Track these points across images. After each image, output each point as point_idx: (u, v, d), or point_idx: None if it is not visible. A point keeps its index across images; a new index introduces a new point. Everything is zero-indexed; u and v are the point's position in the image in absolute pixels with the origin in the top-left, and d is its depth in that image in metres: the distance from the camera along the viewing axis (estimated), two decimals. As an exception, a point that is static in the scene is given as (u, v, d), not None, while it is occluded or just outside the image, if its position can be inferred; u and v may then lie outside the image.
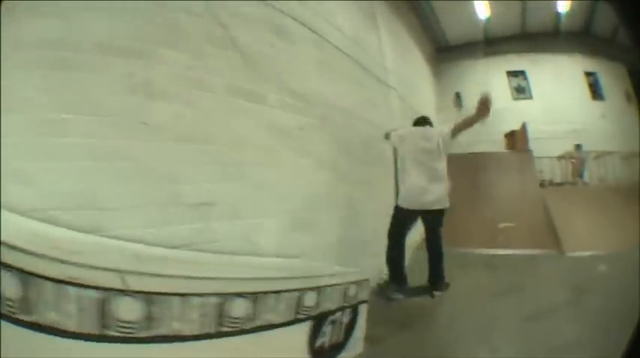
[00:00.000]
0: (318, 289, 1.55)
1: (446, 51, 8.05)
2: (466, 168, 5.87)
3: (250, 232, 1.96)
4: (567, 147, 6.91)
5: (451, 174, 5.96)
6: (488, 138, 6.87)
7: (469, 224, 5.32)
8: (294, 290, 1.46)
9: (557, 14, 7.19)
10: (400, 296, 2.58)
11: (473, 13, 6.73)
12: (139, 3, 1.62)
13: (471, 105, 7.98)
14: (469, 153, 6.23)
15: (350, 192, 2.79)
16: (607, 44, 8.17)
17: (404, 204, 2.63)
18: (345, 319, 1.73)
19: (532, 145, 6.46)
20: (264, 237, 2.01)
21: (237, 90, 2.03)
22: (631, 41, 1.11)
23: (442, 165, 2.64)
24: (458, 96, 7.83)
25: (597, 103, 8.22)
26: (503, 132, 6.91)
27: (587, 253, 4.50)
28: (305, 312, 1.51)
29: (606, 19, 7.31)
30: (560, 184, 6.48)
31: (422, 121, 3.21)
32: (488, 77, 7.67)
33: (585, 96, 8.36)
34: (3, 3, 1.12)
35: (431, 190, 2.58)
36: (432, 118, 6.17)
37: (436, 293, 2.69)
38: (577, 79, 8.36)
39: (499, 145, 6.87)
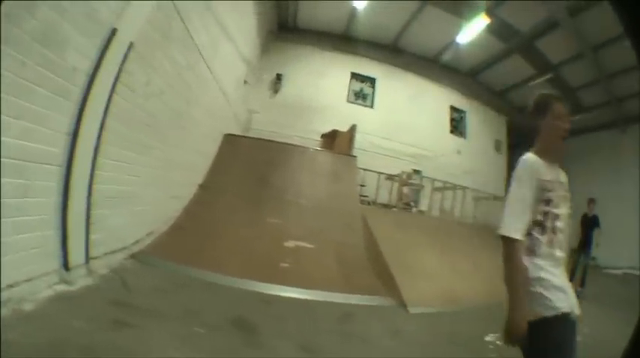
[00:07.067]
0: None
1: (288, 31, 7.10)
2: (257, 158, 4.50)
3: None
4: (403, 168, 6.20)
5: (231, 160, 4.61)
6: (298, 134, 5.78)
7: (239, 234, 3.34)
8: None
9: (452, 43, 6.68)
10: None
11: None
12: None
13: (288, 92, 7.00)
14: (266, 140, 4.87)
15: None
16: (495, 94, 8.39)
17: None
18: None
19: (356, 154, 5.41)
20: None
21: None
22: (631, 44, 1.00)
23: None
24: (279, 77, 6.77)
25: (455, 139, 8.12)
26: (321, 131, 5.87)
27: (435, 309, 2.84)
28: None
29: (508, 72, 7.29)
30: (385, 206, 5.59)
31: None
32: (327, 70, 6.83)
33: (443, 127, 8.20)
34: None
35: None
36: (226, 84, 4.52)
37: None
38: (439, 108, 8.18)
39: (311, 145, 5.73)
